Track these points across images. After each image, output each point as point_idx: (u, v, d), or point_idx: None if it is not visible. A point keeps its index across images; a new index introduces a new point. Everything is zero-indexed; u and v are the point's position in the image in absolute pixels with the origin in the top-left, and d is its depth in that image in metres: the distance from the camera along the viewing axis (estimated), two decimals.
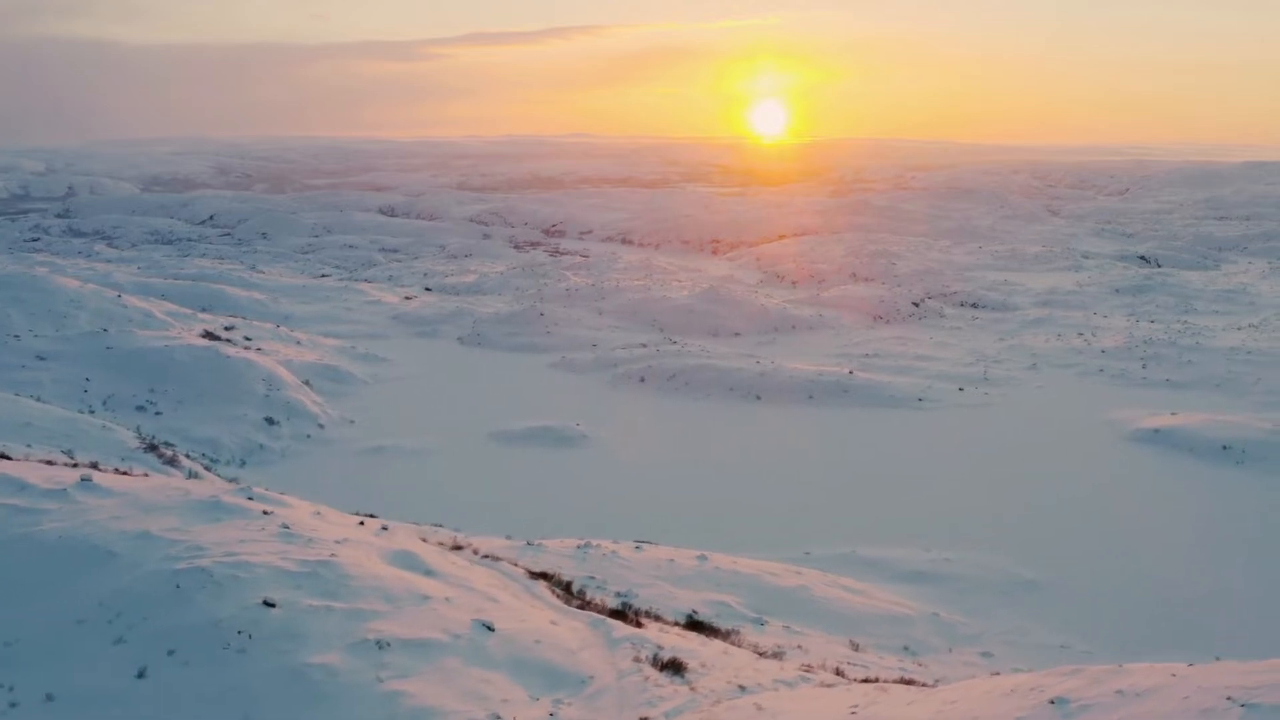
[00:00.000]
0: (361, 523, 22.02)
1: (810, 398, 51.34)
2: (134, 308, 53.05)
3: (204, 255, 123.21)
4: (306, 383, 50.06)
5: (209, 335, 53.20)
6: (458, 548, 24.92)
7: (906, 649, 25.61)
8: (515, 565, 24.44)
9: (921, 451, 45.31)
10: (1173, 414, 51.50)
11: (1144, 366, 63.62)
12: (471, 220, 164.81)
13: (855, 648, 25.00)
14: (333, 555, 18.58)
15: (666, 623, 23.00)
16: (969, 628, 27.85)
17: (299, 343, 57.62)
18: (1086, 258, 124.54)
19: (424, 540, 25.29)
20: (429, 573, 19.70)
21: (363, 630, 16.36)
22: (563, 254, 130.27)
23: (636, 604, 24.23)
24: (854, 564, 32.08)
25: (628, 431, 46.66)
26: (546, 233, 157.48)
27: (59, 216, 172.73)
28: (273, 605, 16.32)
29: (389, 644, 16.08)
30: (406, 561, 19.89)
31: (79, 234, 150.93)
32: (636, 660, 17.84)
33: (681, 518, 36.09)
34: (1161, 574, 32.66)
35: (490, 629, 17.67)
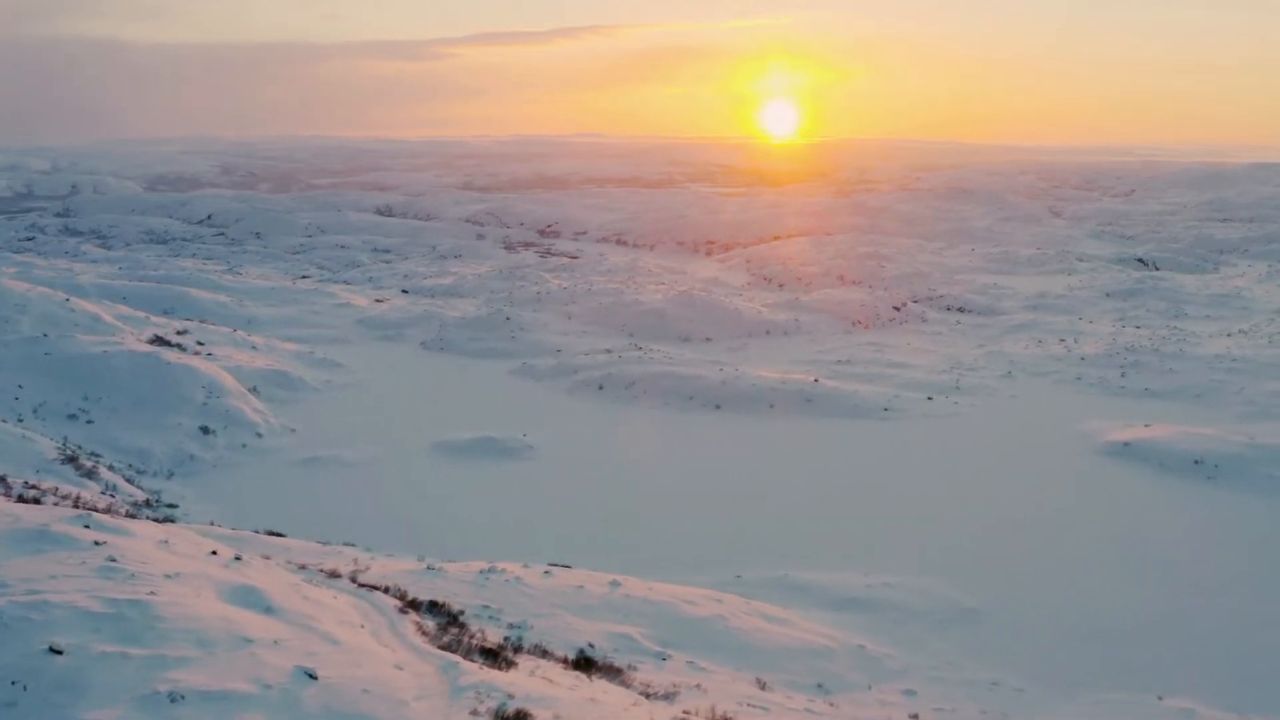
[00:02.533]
0: (214, 552, 20.46)
1: (771, 407, 49.64)
2: (81, 311, 51.80)
3: (194, 255, 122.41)
4: (253, 389, 48.69)
5: (158, 340, 51.94)
6: (335, 575, 23.43)
7: (820, 686, 23.89)
8: (401, 595, 22.95)
9: (879, 466, 43.54)
10: (1146, 425, 49.61)
11: (1123, 375, 61.68)
12: (467, 220, 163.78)
13: (762, 686, 23.32)
14: (151, 594, 17.01)
15: (555, 659, 21.41)
16: (895, 661, 26.09)
17: (254, 347, 56.27)
18: (1081, 260, 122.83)
19: (301, 567, 23.79)
20: (268, 610, 18.09)
21: (157, 681, 14.72)
22: (552, 255, 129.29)
23: (527, 637, 22.63)
24: (784, 589, 30.37)
25: (574, 443, 44.92)
26: (541, 233, 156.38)
27: (57, 215, 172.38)
28: (59, 652, 14.78)
29: (184, 696, 14.45)
30: (245, 598, 18.28)
31: (75, 233, 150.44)
32: (474, 714, 16.19)
33: (612, 536, 34.51)
34: (1113, 600, 30.87)
35: (312, 677, 16.02)
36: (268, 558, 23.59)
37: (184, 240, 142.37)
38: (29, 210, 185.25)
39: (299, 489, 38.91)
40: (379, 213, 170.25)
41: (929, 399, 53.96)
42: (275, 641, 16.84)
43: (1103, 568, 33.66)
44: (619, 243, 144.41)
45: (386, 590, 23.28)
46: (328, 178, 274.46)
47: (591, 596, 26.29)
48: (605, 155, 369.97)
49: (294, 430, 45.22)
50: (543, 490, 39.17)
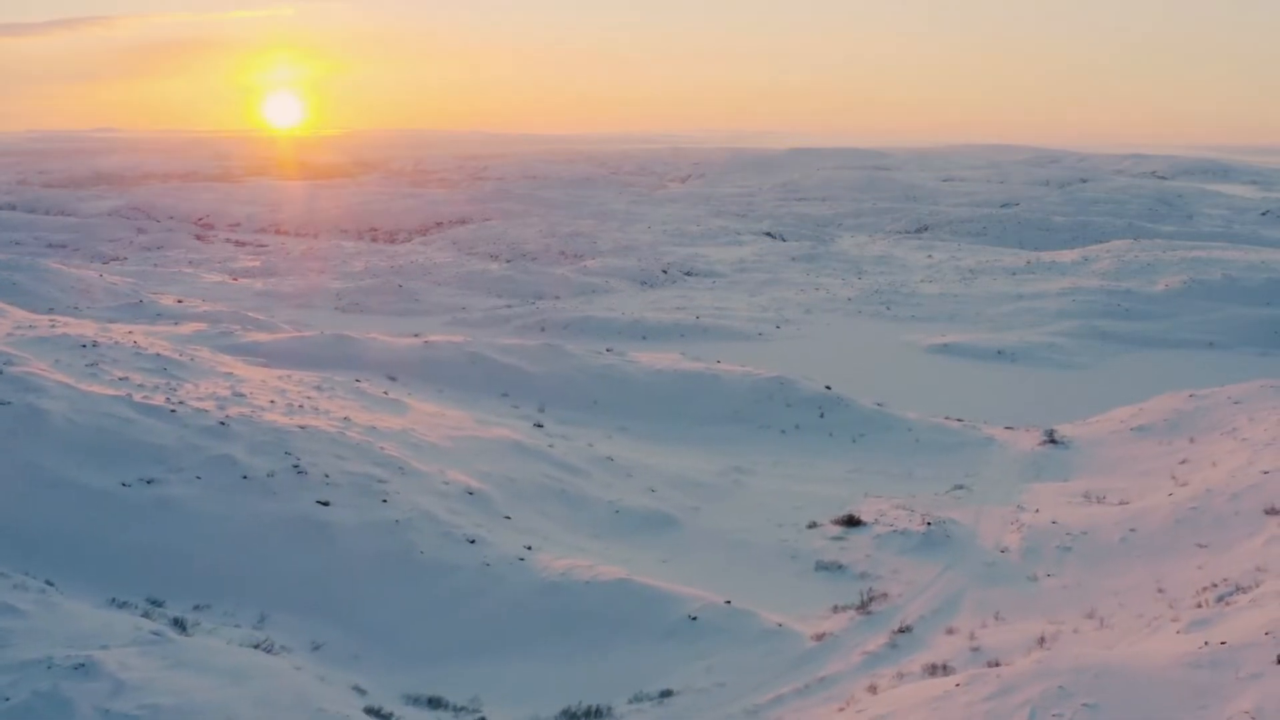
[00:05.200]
0: None
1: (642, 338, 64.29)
2: None
3: None
4: None
5: None
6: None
7: None
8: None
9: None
10: (943, 336, 72.39)
11: (888, 308, 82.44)
12: (112, 215, 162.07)
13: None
14: None
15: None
16: None
17: None
18: (738, 234, 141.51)
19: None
20: None
21: None
22: (242, 245, 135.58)
23: None
24: None
25: None
26: (200, 225, 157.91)
27: None
28: None
29: None
30: None
31: None
32: None
33: None
34: None
35: None
36: None
37: None
38: None
39: None
40: None
41: (777, 327, 72.63)
42: None
43: None
44: (278, 232, 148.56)
45: None
46: None
47: None
48: (144, 150, 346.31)
49: None
50: None
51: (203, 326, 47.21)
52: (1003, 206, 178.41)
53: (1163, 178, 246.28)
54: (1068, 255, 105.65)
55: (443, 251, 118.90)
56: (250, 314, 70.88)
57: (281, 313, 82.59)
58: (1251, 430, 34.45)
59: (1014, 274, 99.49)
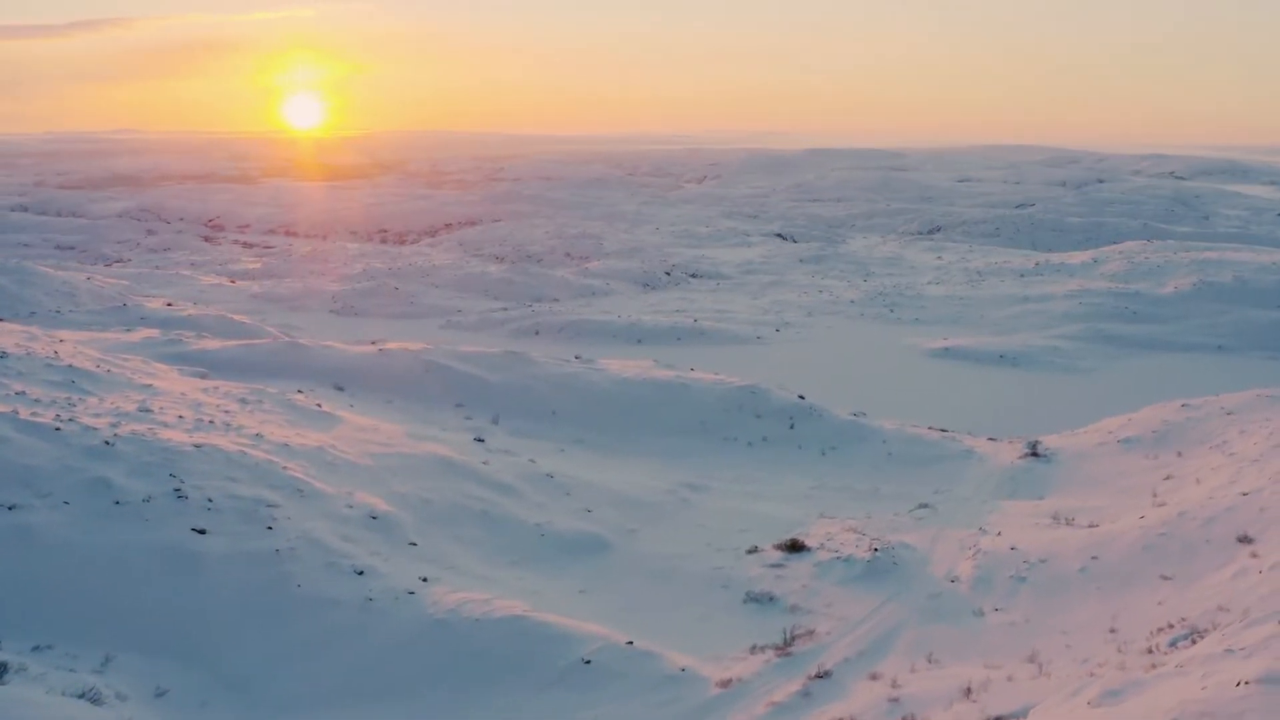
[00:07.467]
0: None
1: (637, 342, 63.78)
2: None
3: None
4: None
5: None
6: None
7: None
8: None
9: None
10: (945, 339, 71.30)
11: (891, 310, 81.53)
12: (119, 216, 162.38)
13: None
14: None
15: None
16: None
17: None
18: (747, 235, 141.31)
19: None
20: None
21: None
22: (249, 246, 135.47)
23: None
24: None
25: None
26: (210, 226, 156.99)
27: None
28: None
29: None
30: None
31: None
32: None
33: None
34: None
35: None
36: None
37: None
38: None
39: None
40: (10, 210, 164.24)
41: (777, 330, 71.27)
42: None
43: None
44: (288, 234, 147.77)
45: None
46: None
47: None
48: (161, 151, 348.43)
49: None
50: None
51: (154, 333, 45.59)
52: (1017, 207, 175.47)
53: (1181, 178, 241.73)
54: (1078, 257, 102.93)
55: (447, 253, 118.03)
56: (236, 317, 69.52)
57: (274, 316, 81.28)
58: (1241, 444, 32.23)
59: (1022, 276, 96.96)
